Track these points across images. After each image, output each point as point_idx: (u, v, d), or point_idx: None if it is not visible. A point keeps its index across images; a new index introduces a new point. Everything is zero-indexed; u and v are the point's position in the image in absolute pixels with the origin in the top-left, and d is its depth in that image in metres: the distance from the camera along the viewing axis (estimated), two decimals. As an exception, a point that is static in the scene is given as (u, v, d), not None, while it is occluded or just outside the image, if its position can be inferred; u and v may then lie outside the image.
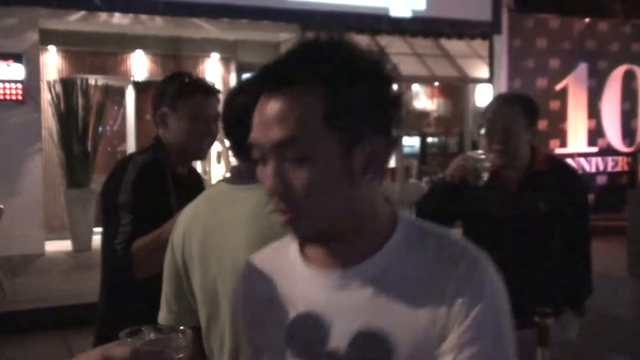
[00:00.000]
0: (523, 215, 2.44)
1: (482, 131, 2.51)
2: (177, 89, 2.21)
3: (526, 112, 2.48)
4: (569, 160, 9.65)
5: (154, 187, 2.09)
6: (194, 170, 2.45)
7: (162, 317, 1.70)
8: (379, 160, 0.93)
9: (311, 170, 0.89)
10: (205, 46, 10.18)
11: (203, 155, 2.26)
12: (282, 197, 0.90)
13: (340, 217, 0.93)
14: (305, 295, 0.97)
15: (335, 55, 0.92)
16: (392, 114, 0.94)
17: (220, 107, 2.15)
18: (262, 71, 0.94)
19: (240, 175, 1.65)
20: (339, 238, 0.95)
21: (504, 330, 0.91)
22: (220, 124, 1.78)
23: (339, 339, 0.92)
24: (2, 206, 6.16)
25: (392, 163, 10.40)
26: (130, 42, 9.72)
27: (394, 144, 0.95)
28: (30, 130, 7.92)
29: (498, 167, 2.47)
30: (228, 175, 2.12)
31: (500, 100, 2.60)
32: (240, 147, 1.52)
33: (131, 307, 2.02)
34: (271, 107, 0.91)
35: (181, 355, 0.80)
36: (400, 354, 0.88)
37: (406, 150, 10.43)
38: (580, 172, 9.71)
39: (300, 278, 0.99)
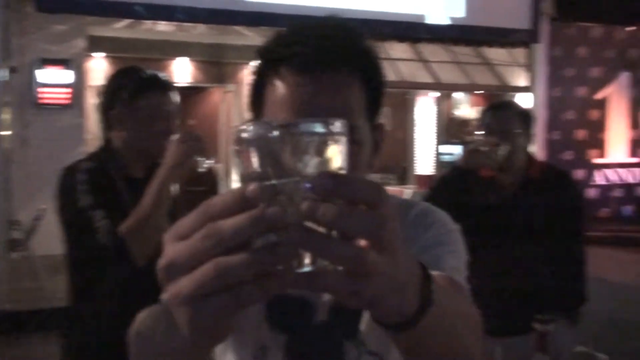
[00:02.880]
0: (517, 220, 2.51)
1: (480, 136, 2.60)
2: (134, 86, 2.04)
3: (521, 117, 2.58)
4: (607, 171, 9.52)
5: (104, 193, 1.94)
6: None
7: None
8: (380, 147, 1.00)
9: (362, 156, 0.92)
10: (247, 53, 10.34)
11: (161, 155, 1.94)
12: None
13: None
14: None
15: (361, 42, 0.94)
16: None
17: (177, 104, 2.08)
18: (290, 52, 0.89)
19: None
20: None
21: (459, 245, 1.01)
22: None
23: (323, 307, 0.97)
24: (45, 207, 6.41)
25: (429, 170, 10.40)
26: (174, 48, 9.96)
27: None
28: (75, 135, 8.20)
29: (494, 173, 2.55)
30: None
31: (495, 106, 2.71)
32: None
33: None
34: (322, 89, 0.88)
35: None
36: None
37: (446, 158, 10.41)
38: (620, 182, 9.57)
39: None
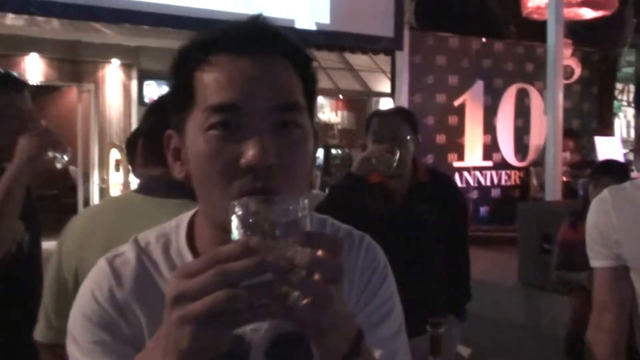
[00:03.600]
0: (410, 225, 2.50)
1: (370, 144, 2.56)
2: None
3: (407, 122, 2.57)
4: (466, 174, 9.99)
5: None
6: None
7: (40, 331, 1.64)
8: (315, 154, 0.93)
9: (308, 143, 0.86)
10: (106, 51, 9.89)
11: (12, 157, 1.87)
12: (270, 171, 0.79)
13: None
14: None
15: (291, 37, 0.90)
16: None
17: (30, 103, 2.04)
18: (221, 36, 0.86)
19: (156, 187, 1.61)
20: None
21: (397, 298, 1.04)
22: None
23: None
24: None
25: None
26: (24, 44, 9.33)
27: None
28: None
29: (383, 178, 2.53)
30: (136, 185, 2.04)
31: (382, 112, 2.71)
32: (157, 153, 1.33)
33: None
34: (262, 69, 0.82)
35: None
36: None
37: (310, 162, 10.48)
38: (476, 185, 10.08)
39: None
